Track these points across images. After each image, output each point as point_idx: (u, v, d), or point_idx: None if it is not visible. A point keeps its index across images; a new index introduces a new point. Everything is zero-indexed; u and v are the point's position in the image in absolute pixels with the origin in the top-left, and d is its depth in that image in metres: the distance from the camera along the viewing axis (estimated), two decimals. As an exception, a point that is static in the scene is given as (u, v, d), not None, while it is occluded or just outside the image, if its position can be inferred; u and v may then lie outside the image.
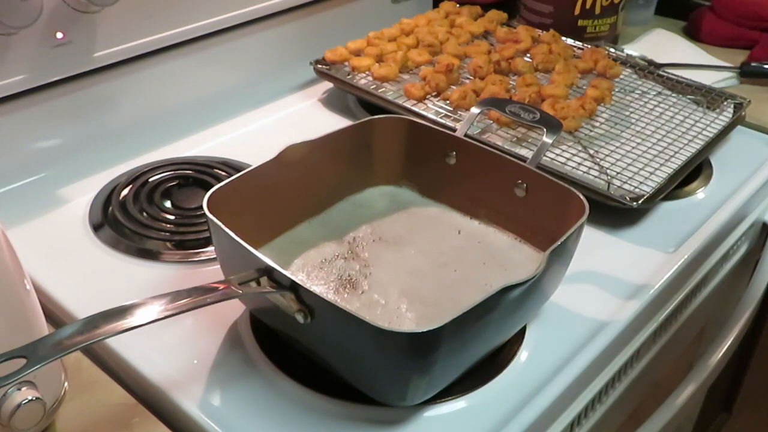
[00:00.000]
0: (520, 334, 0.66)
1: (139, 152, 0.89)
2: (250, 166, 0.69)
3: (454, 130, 0.77)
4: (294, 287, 0.55)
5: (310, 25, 1.08)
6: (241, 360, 0.64)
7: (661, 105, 0.98)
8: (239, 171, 0.68)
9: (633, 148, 0.89)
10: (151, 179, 0.84)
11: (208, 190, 0.63)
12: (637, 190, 0.81)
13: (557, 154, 0.86)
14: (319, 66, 1.01)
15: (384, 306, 0.65)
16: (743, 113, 0.98)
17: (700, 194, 0.88)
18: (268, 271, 0.56)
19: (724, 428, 1.43)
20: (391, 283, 0.68)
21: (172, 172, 0.86)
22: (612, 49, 1.11)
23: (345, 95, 1.03)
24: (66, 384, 0.57)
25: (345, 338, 0.56)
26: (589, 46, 1.08)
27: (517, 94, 0.94)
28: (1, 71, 0.78)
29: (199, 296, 0.54)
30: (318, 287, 0.67)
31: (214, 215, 0.60)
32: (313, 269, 0.69)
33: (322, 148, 0.71)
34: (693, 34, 1.27)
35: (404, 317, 0.64)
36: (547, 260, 0.58)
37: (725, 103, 0.99)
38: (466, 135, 0.76)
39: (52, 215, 0.80)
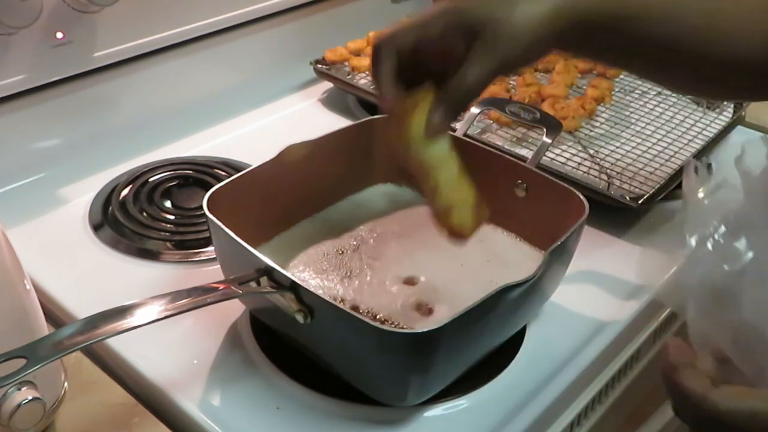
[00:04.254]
0: (520, 334, 0.66)
1: (139, 152, 0.89)
2: (250, 166, 0.69)
3: (454, 130, 0.77)
4: (294, 287, 0.55)
5: (310, 25, 1.08)
6: (241, 360, 0.64)
7: (661, 105, 0.98)
8: (239, 171, 0.68)
9: (633, 148, 0.89)
10: (151, 179, 0.84)
11: (208, 190, 0.63)
12: (637, 190, 0.81)
13: (557, 154, 0.86)
14: (319, 66, 1.01)
15: (393, 293, 0.65)
16: (743, 113, 0.98)
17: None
18: (268, 271, 0.56)
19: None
20: (397, 272, 0.68)
21: (172, 172, 0.86)
22: (612, 49, 1.11)
23: (345, 95, 1.03)
24: (66, 384, 0.57)
25: (345, 338, 0.56)
26: (589, 46, 1.08)
27: (517, 94, 0.94)
28: (1, 71, 0.78)
29: (199, 296, 0.54)
30: (320, 280, 0.67)
31: (214, 215, 0.60)
32: (314, 264, 0.69)
33: (322, 148, 0.71)
34: (693, 34, 1.26)
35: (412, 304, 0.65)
36: (547, 260, 0.58)
37: (725, 103, 0.98)
38: (465, 135, 0.76)
39: (52, 215, 0.80)
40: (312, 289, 0.54)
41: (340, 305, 0.54)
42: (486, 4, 0.55)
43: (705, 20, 0.59)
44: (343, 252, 0.70)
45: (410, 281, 0.67)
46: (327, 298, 0.54)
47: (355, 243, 0.71)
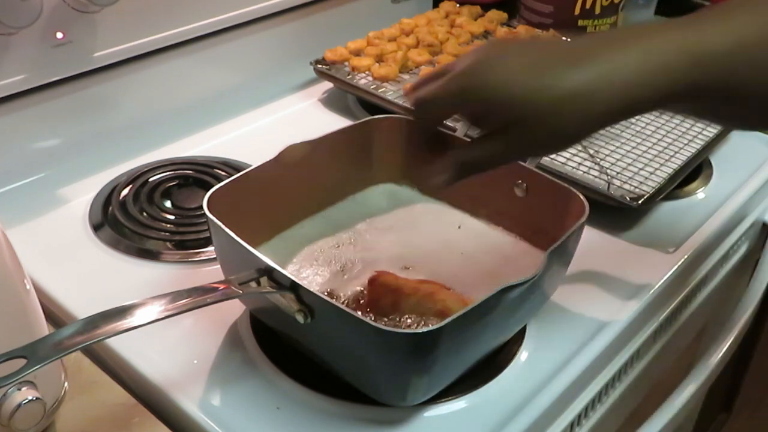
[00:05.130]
0: (520, 334, 0.66)
1: (139, 152, 0.89)
2: (250, 166, 0.69)
3: (455, 130, 0.77)
4: (294, 287, 0.55)
5: (310, 25, 1.08)
6: (241, 360, 0.64)
7: (661, 105, 0.98)
8: (239, 171, 0.68)
9: (633, 148, 0.89)
10: (151, 179, 0.84)
11: (208, 190, 0.63)
12: (637, 190, 0.81)
13: (557, 154, 0.86)
14: (319, 66, 1.01)
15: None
16: (743, 113, 0.98)
17: (700, 194, 0.88)
18: (268, 271, 0.56)
19: (724, 428, 1.43)
20: (394, 262, 0.68)
21: (172, 172, 0.86)
22: (612, 49, 1.11)
23: (345, 95, 1.03)
24: (66, 384, 0.57)
25: (345, 338, 0.56)
26: (589, 46, 1.08)
27: (517, 94, 0.94)
28: (1, 71, 0.78)
29: (199, 296, 0.54)
30: (319, 278, 0.67)
31: (214, 215, 0.60)
32: (313, 263, 0.69)
33: (322, 148, 0.71)
34: (693, 34, 1.26)
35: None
36: (547, 260, 0.58)
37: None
38: (466, 135, 0.76)
39: (52, 215, 0.80)
40: (312, 289, 0.54)
41: (341, 305, 0.54)
42: (516, 83, 0.45)
43: None
44: (339, 246, 0.70)
45: (407, 269, 0.68)
46: (327, 298, 0.54)
47: (353, 239, 0.72)
